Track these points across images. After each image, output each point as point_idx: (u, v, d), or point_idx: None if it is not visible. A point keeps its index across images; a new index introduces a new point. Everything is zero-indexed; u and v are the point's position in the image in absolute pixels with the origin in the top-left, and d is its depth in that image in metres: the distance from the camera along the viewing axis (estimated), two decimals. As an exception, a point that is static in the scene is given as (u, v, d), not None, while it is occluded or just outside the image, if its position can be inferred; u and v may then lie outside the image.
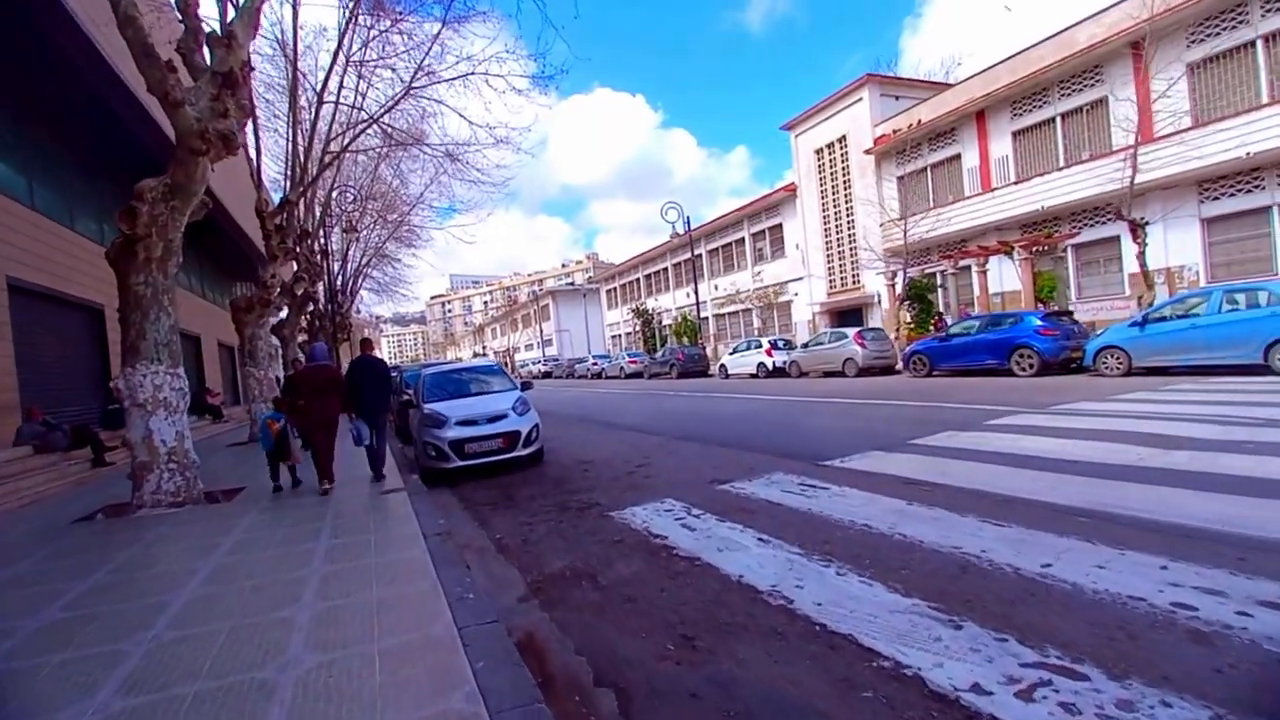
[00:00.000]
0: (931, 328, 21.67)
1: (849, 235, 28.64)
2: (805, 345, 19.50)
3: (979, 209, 22.37)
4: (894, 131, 26.02)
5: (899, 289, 22.36)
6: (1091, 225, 19.82)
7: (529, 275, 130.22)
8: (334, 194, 21.60)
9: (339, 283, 27.29)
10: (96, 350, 13.99)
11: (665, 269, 45.08)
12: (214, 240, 21.62)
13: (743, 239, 36.50)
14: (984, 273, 19.91)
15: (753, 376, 21.51)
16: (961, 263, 23.37)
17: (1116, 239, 19.52)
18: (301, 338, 29.26)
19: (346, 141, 13.78)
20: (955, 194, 23.70)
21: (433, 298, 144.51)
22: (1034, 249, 17.54)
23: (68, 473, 9.23)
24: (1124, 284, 19.48)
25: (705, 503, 5.26)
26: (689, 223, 30.01)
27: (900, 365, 16.51)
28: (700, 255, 40.76)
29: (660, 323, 41.63)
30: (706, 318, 39.60)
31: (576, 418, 13.48)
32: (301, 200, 14.94)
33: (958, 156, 23.84)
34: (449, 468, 7.42)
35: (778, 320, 33.81)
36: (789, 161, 32.32)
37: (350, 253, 28.02)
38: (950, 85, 26.21)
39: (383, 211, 26.22)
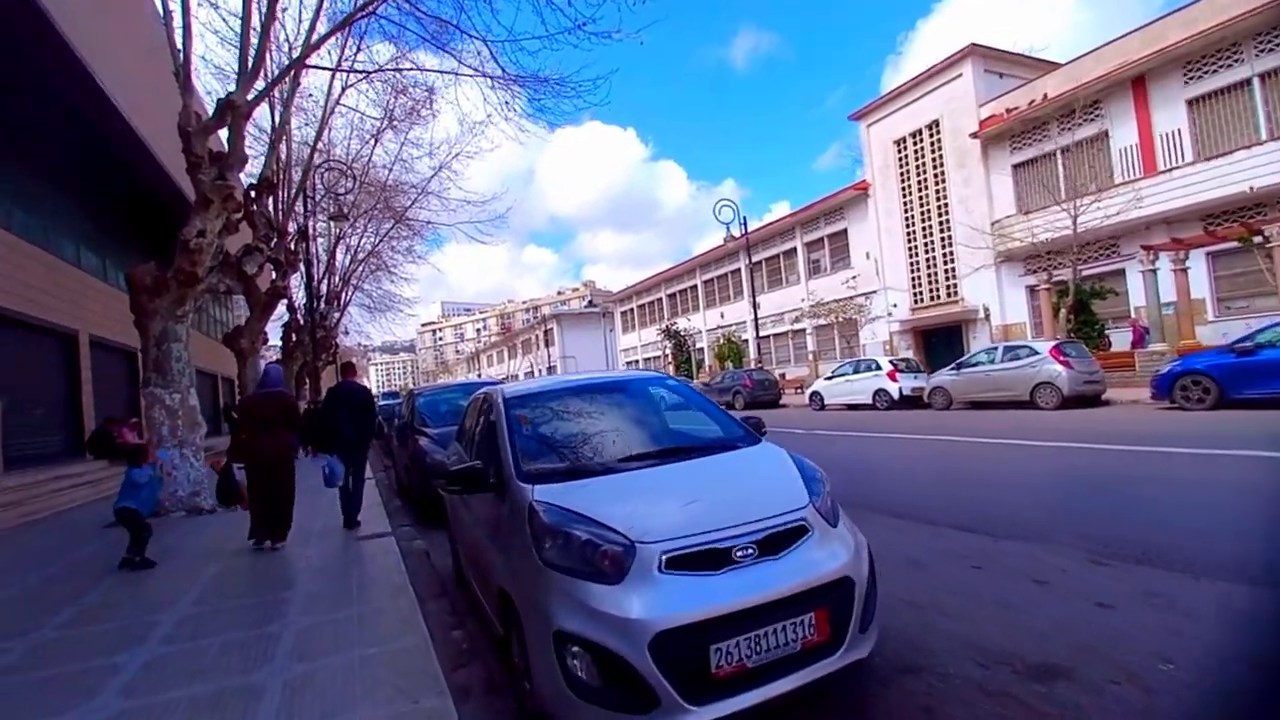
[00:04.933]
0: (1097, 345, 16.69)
1: (942, 239, 23.85)
2: (959, 366, 14.34)
3: (1146, 195, 17.57)
4: (1007, 111, 21.48)
5: (1055, 297, 17.33)
6: (1321, 210, 15.05)
7: (523, 302, 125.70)
8: (318, 165, 16.39)
9: (323, 287, 21.90)
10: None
11: (694, 286, 40.16)
12: (128, 192, 16.09)
13: (794, 249, 31.66)
14: (1183, 271, 14.98)
15: (866, 408, 16.30)
16: (1112, 263, 18.58)
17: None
18: (272, 355, 23.75)
19: (345, 18, 8.58)
20: (1101, 181, 18.95)
21: (424, 325, 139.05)
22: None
23: None
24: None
25: None
26: (745, 223, 25.10)
27: (1149, 393, 11.36)
28: (739, 270, 35.93)
29: (693, 345, 36.48)
30: (747, 339, 34.58)
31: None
32: (261, 112, 9.71)
33: (1103, 135, 19.18)
34: (656, 730, 2.06)
35: (839, 342, 28.79)
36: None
37: (337, 251, 22.71)
38: (1055, 64, 21.77)
39: (384, 201, 21.05)
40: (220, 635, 3.45)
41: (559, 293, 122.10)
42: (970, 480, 6.78)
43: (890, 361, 16.44)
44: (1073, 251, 16.69)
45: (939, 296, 24.11)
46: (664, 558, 2.25)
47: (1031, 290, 21.15)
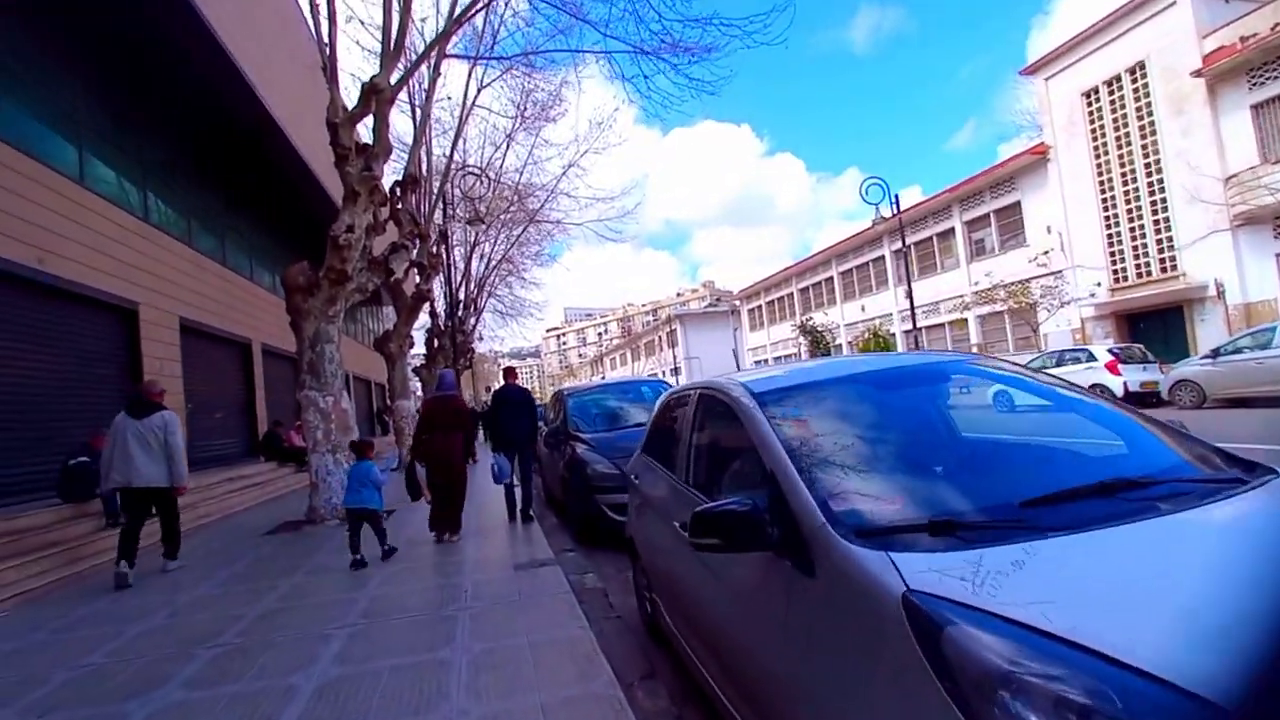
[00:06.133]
0: None
1: (1152, 203, 19.75)
2: (1216, 354, 11.28)
3: None
4: (1242, 40, 17.28)
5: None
6: None
7: (643, 305, 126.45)
8: (456, 171, 16.45)
9: (460, 293, 22.36)
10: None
11: (830, 279, 37.41)
12: (296, 209, 16.90)
13: (950, 230, 28.21)
14: None
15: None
16: None
17: None
18: (415, 360, 24.73)
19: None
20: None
21: (548, 331, 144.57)
22: None
23: None
24: None
25: None
26: (898, 202, 22.42)
27: None
28: (882, 257, 32.81)
29: (832, 341, 33.85)
30: (894, 333, 31.44)
31: None
32: (404, 126, 9.40)
33: (1399, 50, 14.73)
34: None
35: (1011, 333, 25.09)
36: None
37: (473, 259, 23.16)
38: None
39: (516, 203, 21.11)
40: (368, 717, 2.50)
41: (678, 294, 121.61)
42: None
43: (1109, 350, 13.43)
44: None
45: (1149, 273, 19.99)
46: None
47: (1289, 258, 16.86)
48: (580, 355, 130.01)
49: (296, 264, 7.53)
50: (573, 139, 20.53)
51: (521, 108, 16.15)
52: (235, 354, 14.57)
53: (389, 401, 16.61)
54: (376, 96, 7.15)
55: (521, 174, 21.17)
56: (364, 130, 8.89)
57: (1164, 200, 19.35)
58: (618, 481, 5.62)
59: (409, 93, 12.12)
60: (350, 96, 7.94)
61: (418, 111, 11.59)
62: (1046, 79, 22.84)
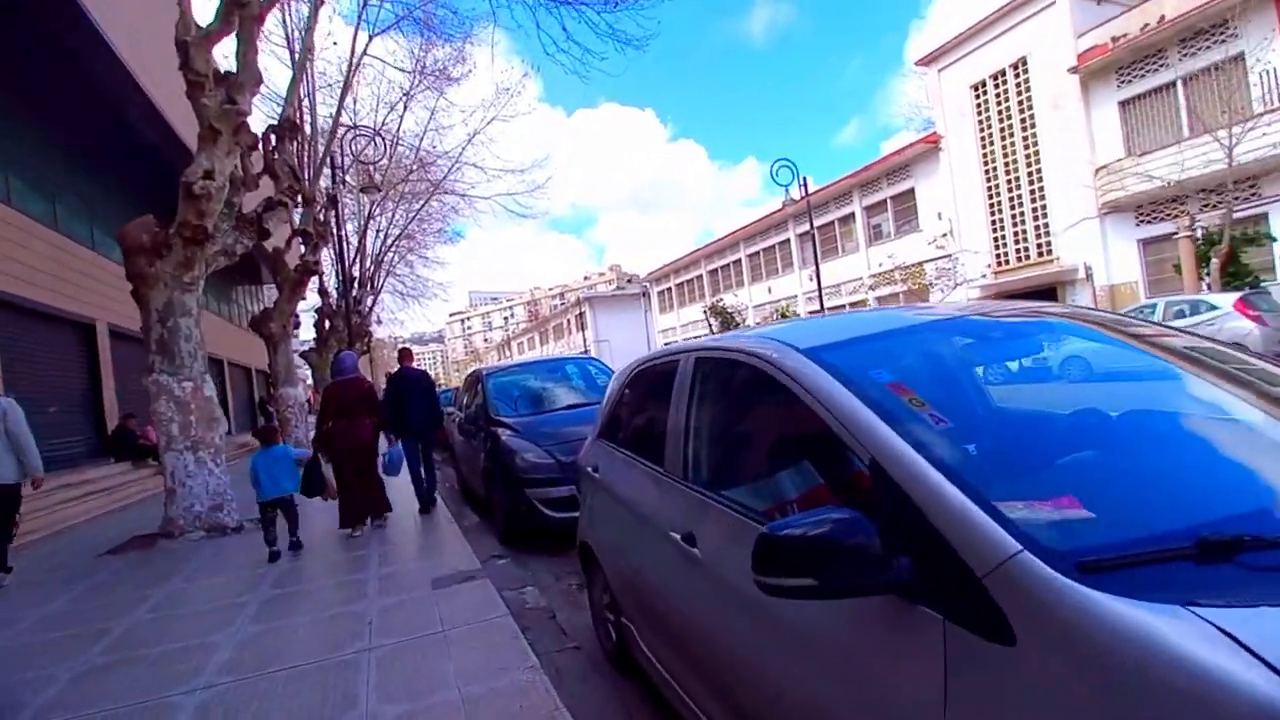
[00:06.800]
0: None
1: (1032, 192, 21.24)
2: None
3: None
4: (1113, 40, 18.77)
5: (1201, 245, 14.70)
6: None
7: (550, 289, 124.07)
8: (345, 133, 14.65)
9: (355, 271, 20.32)
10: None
11: (738, 261, 37.95)
12: (153, 171, 14.49)
13: (851, 215, 29.24)
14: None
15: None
16: (1251, 207, 15.95)
17: None
18: (301, 344, 22.42)
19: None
20: (1237, 109, 16.23)
21: (451, 315, 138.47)
22: None
23: None
24: None
25: None
26: (806, 185, 22.75)
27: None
28: (788, 241, 33.55)
29: (742, 322, 34.37)
30: (800, 314, 32.36)
31: None
32: (280, 46, 7.89)
33: (1238, 58, 16.42)
34: None
35: (907, 313, 26.40)
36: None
37: (368, 232, 21.14)
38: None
39: (417, 173, 19.41)
40: None
41: (585, 278, 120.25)
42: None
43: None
44: (1228, 189, 14.14)
45: (1028, 256, 21.56)
46: None
47: (1144, 243, 18.65)
48: (486, 340, 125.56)
49: (139, 219, 6.08)
50: (480, 103, 19.09)
51: (420, 63, 14.60)
52: (74, 336, 12.26)
53: (271, 390, 14.72)
54: (241, 12, 5.81)
55: (422, 139, 19.48)
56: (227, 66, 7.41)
57: (1042, 189, 20.86)
58: (551, 472, 4.93)
59: (285, 26, 10.42)
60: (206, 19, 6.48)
61: (296, 45, 9.97)
62: (939, 70, 23.94)
